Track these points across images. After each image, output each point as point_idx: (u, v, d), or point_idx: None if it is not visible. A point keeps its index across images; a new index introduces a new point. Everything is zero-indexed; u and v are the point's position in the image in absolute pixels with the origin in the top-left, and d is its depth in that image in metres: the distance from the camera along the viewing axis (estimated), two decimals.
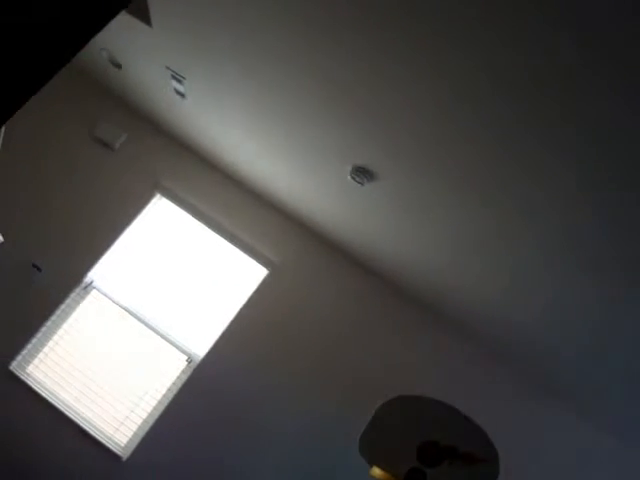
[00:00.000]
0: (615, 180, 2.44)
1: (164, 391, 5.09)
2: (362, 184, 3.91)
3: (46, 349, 5.12)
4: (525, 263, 3.57)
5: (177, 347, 5.18)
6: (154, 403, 5.06)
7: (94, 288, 5.26)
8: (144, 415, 5.04)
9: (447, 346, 5.32)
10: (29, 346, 5.07)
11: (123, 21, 4.06)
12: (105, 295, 5.25)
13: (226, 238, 5.44)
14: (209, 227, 5.45)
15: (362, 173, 3.80)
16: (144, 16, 3.84)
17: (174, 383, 5.10)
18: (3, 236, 5.05)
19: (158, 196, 5.50)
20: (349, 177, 3.95)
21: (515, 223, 3.23)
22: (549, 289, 3.63)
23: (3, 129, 3.51)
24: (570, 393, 4.88)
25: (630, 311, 3.26)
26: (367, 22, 2.54)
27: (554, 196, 2.81)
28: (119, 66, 4.89)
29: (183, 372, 5.14)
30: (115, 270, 5.35)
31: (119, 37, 4.39)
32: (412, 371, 5.24)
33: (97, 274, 5.30)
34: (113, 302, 5.24)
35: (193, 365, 5.14)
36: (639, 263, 2.87)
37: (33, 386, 4.97)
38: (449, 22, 2.25)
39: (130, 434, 4.99)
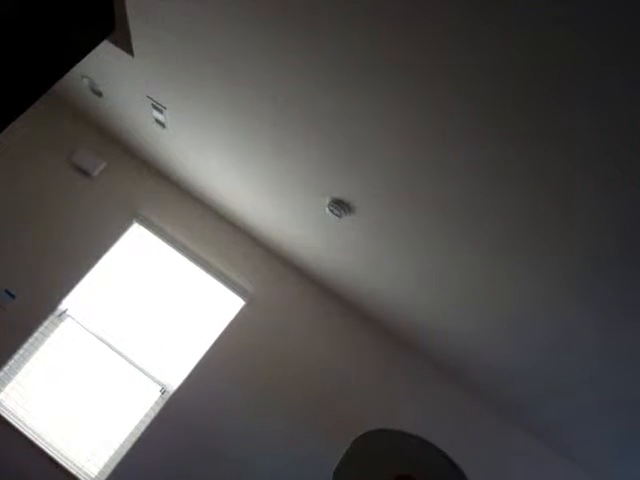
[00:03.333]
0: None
1: (137, 422, 5.02)
2: (340, 217, 3.92)
3: (18, 377, 5.05)
4: (507, 299, 3.59)
5: (151, 377, 5.13)
6: (126, 434, 4.99)
7: (68, 316, 5.20)
8: (116, 446, 4.96)
9: (426, 381, 5.32)
10: (1, 374, 4.99)
11: (105, 50, 4.08)
12: (79, 323, 5.19)
13: (203, 268, 5.43)
14: (186, 257, 5.43)
15: (340, 206, 3.81)
16: (126, 45, 3.86)
17: (147, 414, 5.04)
18: None
19: (136, 225, 5.48)
20: (327, 209, 3.96)
21: (497, 257, 3.26)
22: (545, 329, 3.64)
23: None
24: (551, 431, 4.89)
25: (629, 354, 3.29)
26: (349, 56, 2.57)
27: (537, 231, 2.84)
28: (100, 94, 4.90)
29: (156, 403, 5.08)
30: (90, 298, 5.30)
31: (100, 65, 4.40)
32: (389, 405, 5.23)
33: (71, 302, 5.25)
34: (87, 331, 5.18)
35: (166, 396, 5.08)
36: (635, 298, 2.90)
37: (4, 414, 4.89)
38: (430, 53, 2.29)
39: (101, 465, 4.91)
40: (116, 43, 3.91)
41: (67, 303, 5.24)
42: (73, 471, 4.83)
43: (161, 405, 5.04)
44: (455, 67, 2.25)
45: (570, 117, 2.12)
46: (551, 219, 2.68)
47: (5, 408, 4.95)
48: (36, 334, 5.12)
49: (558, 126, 2.18)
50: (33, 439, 4.86)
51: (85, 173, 5.51)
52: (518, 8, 1.87)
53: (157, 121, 4.59)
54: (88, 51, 2.44)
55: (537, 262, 3.04)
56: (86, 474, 4.87)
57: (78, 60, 2.40)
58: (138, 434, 4.95)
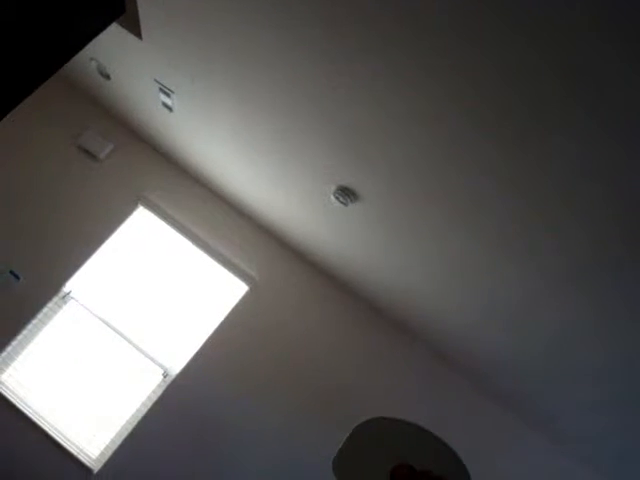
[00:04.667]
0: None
1: (138, 405, 5.04)
2: (346, 205, 3.92)
3: (21, 358, 5.07)
4: (510, 290, 3.59)
5: (153, 361, 5.15)
6: (128, 416, 5.02)
7: (72, 298, 5.22)
8: (117, 428, 4.99)
9: (433, 373, 5.33)
10: (4, 354, 5.01)
11: (114, 32, 4.07)
12: (83, 305, 5.21)
13: (208, 253, 5.43)
14: (191, 241, 5.44)
15: (346, 193, 3.81)
16: (135, 28, 3.85)
17: (149, 397, 5.06)
18: None
19: (141, 208, 5.48)
20: (333, 197, 3.96)
21: (500, 250, 3.25)
22: (550, 323, 3.65)
23: None
24: (554, 423, 4.90)
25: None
26: (364, 45, 2.57)
27: (550, 231, 2.84)
28: (108, 77, 4.89)
29: (158, 386, 5.10)
30: (94, 281, 5.31)
31: (109, 48, 4.40)
32: (394, 396, 5.24)
33: (76, 284, 5.26)
34: (90, 313, 5.20)
35: (169, 380, 5.10)
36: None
37: (6, 394, 4.91)
38: (433, 49, 2.28)
39: (102, 447, 4.94)
40: (125, 26, 3.90)
41: (71, 285, 5.25)
42: (74, 452, 4.86)
43: (163, 388, 5.06)
44: (470, 67, 2.24)
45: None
46: (554, 212, 2.67)
47: (7, 388, 4.97)
48: (40, 315, 5.13)
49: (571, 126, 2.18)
50: (34, 420, 4.89)
51: (92, 155, 5.50)
52: None
53: (164, 105, 4.58)
54: (97, 34, 2.43)
55: (540, 252, 3.04)
56: (87, 455, 4.89)
57: (86, 42, 2.40)
58: (139, 417, 4.97)
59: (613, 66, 1.89)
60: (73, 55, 2.39)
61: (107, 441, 4.95)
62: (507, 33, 2.03)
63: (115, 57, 4.48)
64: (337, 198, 3.90)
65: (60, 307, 5.19)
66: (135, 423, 4.96)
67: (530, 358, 4.14)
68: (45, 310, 5.15)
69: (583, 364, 3.74)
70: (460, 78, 2.35)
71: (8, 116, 2.41)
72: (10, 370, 5.04)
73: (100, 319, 5.19)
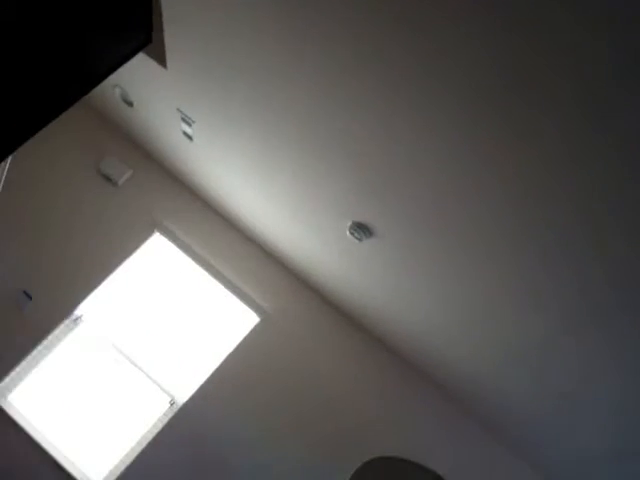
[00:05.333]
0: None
1: (144, 432, 5.02)
2: (360, 240, 3.93)
3: (29, 378, 5.07)
4: (525, 332, 3.56)
5: (161, 388, 5.13)
6: (133, 443, 4.99)
7: (83, 321, 5.23)
8: (122, 454, 4.96)
9: (440, 414, 5.27)
10: (12, 374, 5.01)
11: (139, 60, 4.13)
12: (93, 329, 5.22)
13: (220, 281, 5.44)
14: (204, 269, 5.45)
15: (361, 229, 3.82)
16: (160, 57, 3.91)
17: (155, 425, 5.04)
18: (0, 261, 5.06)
19: (157, 234, 5.51)
20: (348, 232, 3.97)
21: (514, 292, 3.24)
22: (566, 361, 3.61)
23: (10, 157, 3.54)
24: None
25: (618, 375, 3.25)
26: (381, 80, 2.59)
27: (559, 270, 2.83)
28: (130, 104, 4.95)
29: (165, 414, 5.07)
30: (106, 305, 5.33)
31: (133, 76, 4.46)
32: (401, 435, 5.18)
33: (88, 307, 5.27)
34: (100, 337, 5.20)
35: (175, 408, 5.08)
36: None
37: (12, 414, 4.91)
38: (451, 85, 2.29)
39: (106, 472, 4.91)
40: (151, 55, 3.96)
41: (83, 308, 5.26)
42: (77, 477, 4.83)
43: (170, 416, 5.04)
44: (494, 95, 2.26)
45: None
46: (577, 256, 2.66)
47: (14, 409, 4.96)
48: (50, 337, 5.14)
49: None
50: (39, 442, 4.87)
51: (111, 181, 5.55)
52: None
53: (185, 134, 4.63)
54: (123, 63, 2.47)
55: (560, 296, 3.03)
56: None
57: (113, 71, 2.43)
58: (144, 444, 4.95)
59: None
60: (98, 84, 2.42)
61: (111, 467, 4.92)
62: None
63: (139, 85, 4.54)
64: (352, 233, 3.91)
65: (71, 329, 5.20)
66: (140, 450, 4.93)
67: (542, 406, 4.09)
68: (56, 332, 5.16)
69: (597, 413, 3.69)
70: (477, 123, 2.36)
71: (30, 141, 2.45)
72: (18, 390, 5.03)
73: (110, 344, 5.19)
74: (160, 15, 3.44)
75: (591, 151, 2.07)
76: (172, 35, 3.55)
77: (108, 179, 5.56)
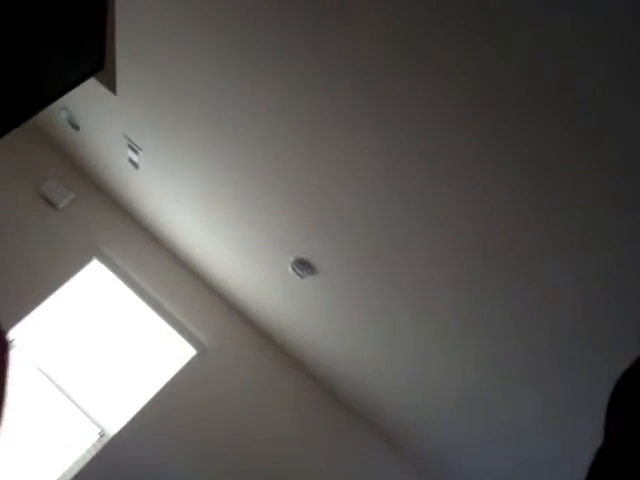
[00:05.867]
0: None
1: (71, 463, 4.87)
2: (302, 277, 3.93)
3: None
4: (464, 378, 3.60)
5: (90, 418, 5.00)
6: (59, 474, 4.83)
7: (14, 346, 5.08)
8: None
9: (376, 456, 5.25)
10: None
11: (89, 85, 4.10)
12: (24, 355, 5.07)
13: (158, 313, 5.36)
14: (142, 299, 5.37)
15: (303, 266, 3.83)
16: (110, 84, 3.89)
17: (82, 456, 4.89)
18: None
19: (95, 261, 5.41)
20: (290, 268, 3.97)
21: (455, 333, 3.28)
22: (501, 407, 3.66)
23: None
24: None
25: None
26: (322, 115, 2.62)
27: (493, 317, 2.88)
28: (77, 127, 4.89)
29: (93, 446, 4.93)
30: (38, 331, 5.18)
31: (81, 99, 4.42)
32: (335, 475, 5.14)
33: (19, 333, 5.12)
34: (31, 363, 5.06)
35: (105, 440, 4.95)
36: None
37: None
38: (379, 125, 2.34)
39: None
40: (101, 80, 3.93)
41: (14, 333, 5.11)
42: None
43: (98, 449, 4.90)
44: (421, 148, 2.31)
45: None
46: (521, 310, 2.72)
47: None
48: None
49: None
50: None
51: (52, 204, 5.45)
52: None
53: (131, 161, 4.59)
54: (73, 87, 2.45)
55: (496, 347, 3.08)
56: None
57: (62, 95, 2.41)
58: (71, 476, 4.79)
59: None
60: (46, 106, 2.39)
61: None
62: None
63: (87, 109, 4.50)
64: (294, 269, 3.92)
65: None
66: None
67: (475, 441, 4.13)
68: None
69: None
70: (429, 165, 2.41)
71: None
72: None
73: (40, 370, 5.05)
74: (114, 41, 3.43)
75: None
76: (124, 62, 3.54)
77: (49, 202, 5.46)
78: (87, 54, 2.44)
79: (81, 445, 4.94)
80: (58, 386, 5.02)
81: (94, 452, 4.89)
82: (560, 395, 3.04)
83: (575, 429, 3.20)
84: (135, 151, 4.39)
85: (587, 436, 3.18)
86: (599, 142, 1.84)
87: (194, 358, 5.31)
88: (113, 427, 5.00)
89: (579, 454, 3.38)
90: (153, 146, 4.15)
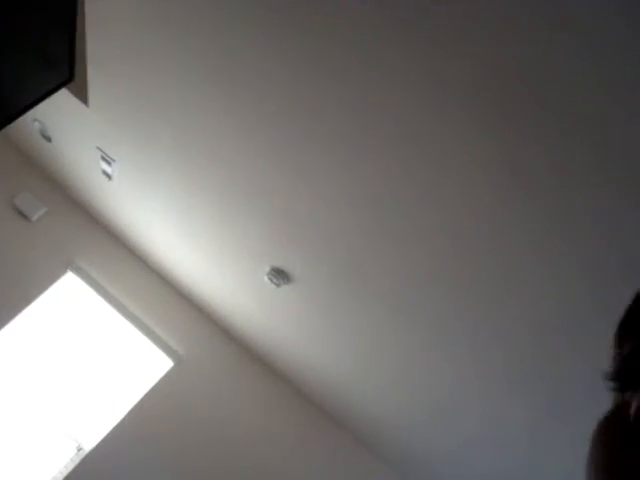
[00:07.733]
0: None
1: (48, 478, 4.81)
2: (278, 286, 3.93)
3: None
4: (431, 382, 3.61)
5: (66, 433, 4.94)
6: None
7: None
8: None
9: (353, 460, 5.24)
10: None
11: (60, 96, 4.07)
12: None
13: (134, 325, 5.31)
14: (118, 311, 5.32)
15: (279, 275, 3.83)
16: (82, 95, 3.86)
17: (60, 471, 4.83)
18: None
19: (69, 274, 5.36)
20: (266, 277, 3.97)
21: (432, 342, 3.29)
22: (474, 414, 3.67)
23: None
24: None
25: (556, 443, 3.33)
26: (298, 127, 2.63)
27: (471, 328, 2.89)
28: (49, 139, 4.86)
29: (71, 460, 4.88)
30: (13, 344, 5.12)
31: (53, 111, 4.38)
32: None
33: None
34: (4, 377, 4.99)
35: (82, 454, 4.90)
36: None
37: None
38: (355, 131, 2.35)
39: None
40: (72, 91, 3.91)
41: None
42: None
43: (76, 463, 4.85)
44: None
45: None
46: (495, 296, 2.74)
47: None
48: None
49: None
50: None
51: (24, 216, 5.39)
52: None
53: (104, 172, 4.56)
54: (43, 99, 2.43)
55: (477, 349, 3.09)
56: None
57: (32, 106, 2.39)
58: None
59: None
60: (16, 119, 2.38)
61: None
62: None
63: (59, 120, 4.46)
64: (270, 279, 3.92)
65: None
66: None
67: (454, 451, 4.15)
68: None
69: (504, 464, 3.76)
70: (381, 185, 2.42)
71: None
72: None
73: (14, 384, 4.98)
74: (84, 52, 3.41)
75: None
76: (95, 73, 3.52)
77: (22, 215, 5.40)
78: (56, 65, 2.42)
79: (58, 459, 4.88)
80: (34, 400, 4.97)
81: (72, 466, 4.83)
82: (542, 397, 3.06)
83: (556, 435, 3.22)
84: (108, 162, 4.37)
85: (566, 441, 3.21)
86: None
87: (171, 369, 5.28)
88: (90, 441, 4.95)
89: (560, 458, 3.40)
90: (126, 157, 4.13)
